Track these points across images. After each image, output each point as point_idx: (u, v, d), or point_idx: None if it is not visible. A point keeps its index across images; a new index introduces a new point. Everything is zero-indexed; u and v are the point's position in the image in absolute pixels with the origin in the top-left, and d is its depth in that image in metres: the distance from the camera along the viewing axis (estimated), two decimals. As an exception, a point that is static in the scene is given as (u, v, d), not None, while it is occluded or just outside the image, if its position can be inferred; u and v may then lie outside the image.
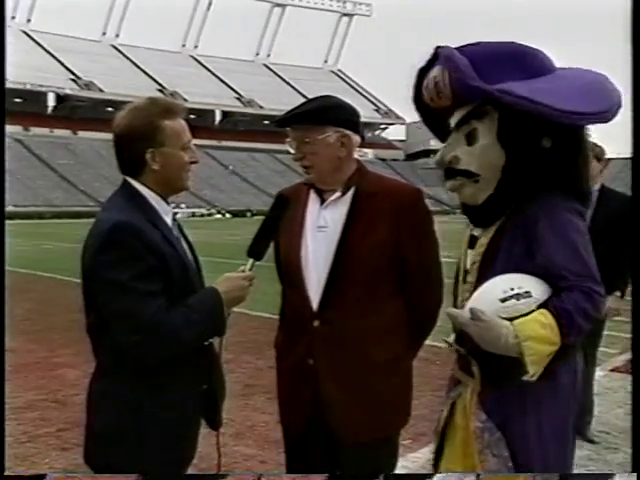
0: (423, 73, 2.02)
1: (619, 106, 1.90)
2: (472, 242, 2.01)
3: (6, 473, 2.41)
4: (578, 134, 1.93)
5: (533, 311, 1.76)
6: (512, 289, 1.78)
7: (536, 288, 1.79)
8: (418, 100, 2.08)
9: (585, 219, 1.90)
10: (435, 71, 1.95)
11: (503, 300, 1.77)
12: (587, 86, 1.93)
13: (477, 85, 1.85)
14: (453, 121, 1.99)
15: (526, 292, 1.78)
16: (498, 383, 1.88)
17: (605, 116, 1.86)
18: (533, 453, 1.86)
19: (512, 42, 1.97)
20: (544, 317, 1.74)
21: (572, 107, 1.82)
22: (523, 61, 1.93)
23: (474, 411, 1.92)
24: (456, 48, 1.93)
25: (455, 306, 2.01)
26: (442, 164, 1.97)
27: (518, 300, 1.77)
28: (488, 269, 1.89)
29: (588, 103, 1.86)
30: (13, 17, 73.27)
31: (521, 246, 1.86)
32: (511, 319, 1.75)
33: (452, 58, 1.89)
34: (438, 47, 1.95)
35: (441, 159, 1.97)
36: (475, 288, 1.88)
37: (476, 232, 2.01)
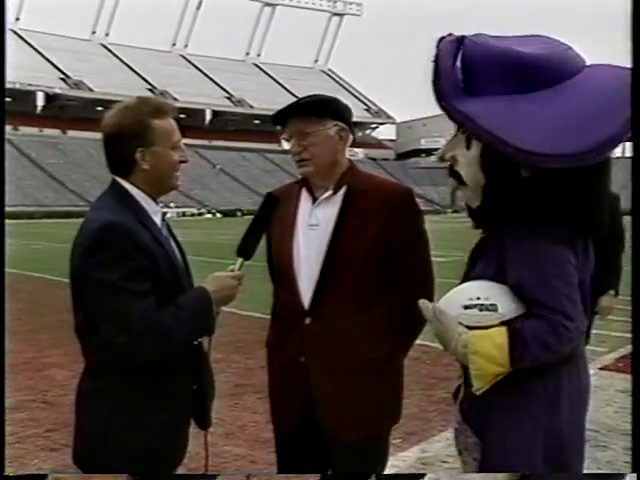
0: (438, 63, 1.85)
1: (625, 133, 1.68)
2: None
3: (6, 473, 2.40)
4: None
5: (494, 326, 1.72)
6: (478, 298, 1.75)
7: (505, 304, 1.73)
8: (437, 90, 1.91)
9: (576, 242, 1.77)
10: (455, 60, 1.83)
11: (466, 307, 1.75)
12: (588, 109, 1.71)
13: (443, 105, 1.76)
14: None
15: (492, 305, 1.73)
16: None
17: (588, 157, 1.66)
18: (496, 463, 1.79)
19: (516, 43, 1.79)
20: (499, 337, 1.69)
21: (545, 145, 1.64)
22: (522, 71, 1.73)
23: (455, 412, 1.91)
24: (460, 39, 1.78)
25: None
26: (442, 160, 1.93)
27: (480, 311, 1.74)
28: (469, 274, 1.87)
29: (574, 138, 1.65)
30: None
31: (494, 266, 1.80)
32: (470, 328, 1.73)
33: (438, 61, 1.77)
34: (441, 39, 1.80)
35: (442, 155, 1.91)
36: None
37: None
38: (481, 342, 1.70)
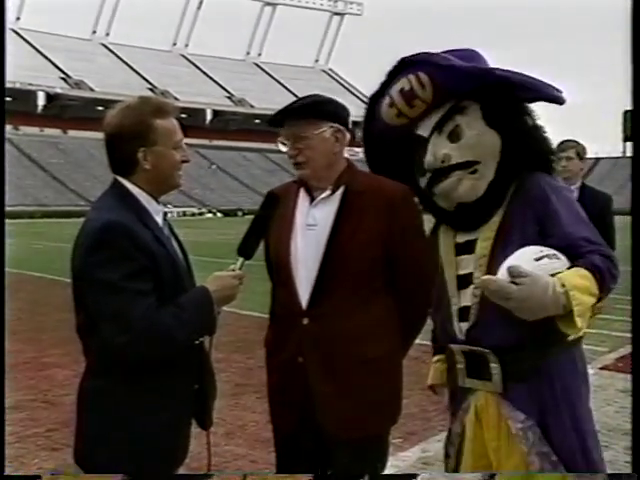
0: (375, 100, 2.09)
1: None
2: (465, 247, 1.98)
3: (6, 473, 2.40)
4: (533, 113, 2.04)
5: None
6: (541, 251, 1.80)
7: (561, 255, 1.82)
8: (368, 132, 2.16)
9: None
10: (401, 83, 1.99)
11: (538, 259, 1.78)
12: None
13: (472, 68, 1.96)
14: (428, 126, 2.00)
15: (555, 254, 1.80)
16: (522, 378, 1.86)
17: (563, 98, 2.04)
18: (573, 444, 1.87)
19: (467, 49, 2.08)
20: (581, 271, 1.76)
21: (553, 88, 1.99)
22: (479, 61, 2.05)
23: (507, 415, 1.88)
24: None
25: (448, 323, 1.99)
26: (435, 164, 1.96)
27: (551, 260, 1.78)
28: (501, 256, 1.84)
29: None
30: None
31: (534, 226, 1.88)
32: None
33: (431, 58, 1.96)
34: (403, 59, 2.03)
35: (434, 159, 1.96)
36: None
37: (461, 239, 1.99)
38: (574, 277, 1.74)
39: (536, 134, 2.00)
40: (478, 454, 1.95)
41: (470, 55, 2.05)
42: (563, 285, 1.71)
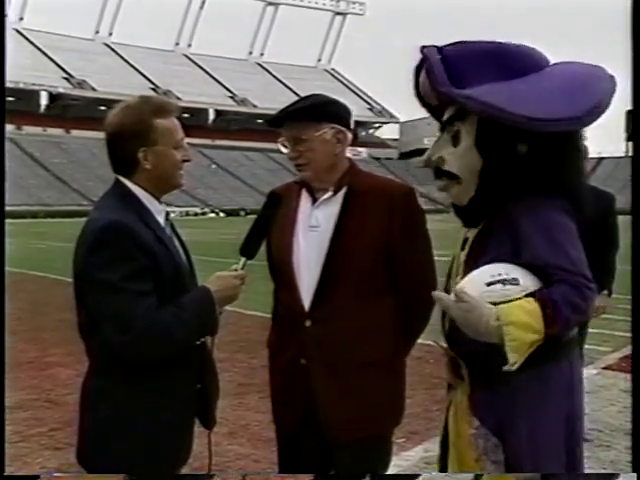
0: (418, 71, 2.00)
1: (607, 104, 1.86)
2: (464, 243, 2.00)
3: (6, 473, 2.40)
4: (561, 135, 1.86)
5: (519, 299, 1.73)
6: (499, 274, 1.76)
7: (525, 278, 1.76)
8: (420, 96, 2.06)
9: (573, 215, 1.87)
10: (423, 72, 1.96)
11: (489, 284, 1.74)
12: (571, 85, 1.88)
13: (443, 91, 1.87)
14: (443, 121, 1.99)
15: (513, 279, 1.75)
16: (488, 386, 1.85)
17: (584, 120, 1.85)
18: (524, 456, 1.82)
19: (496, 41, 1.95)
20: (528, 304, 1.71)
21: (545, 112, 1.79)
22: (505, 60, 1.90)
23: (467, 418, 1.90)
24: (439, 47, 1.92)
25: (441, 320, 2.00)
26: (429, 164, 1.97)
27: (504, 285, 1.74)
28: (475, 265, 1.86)
29: (567, 106, 1.82)
30: (5, 15, 72.90)
31: (507, 249, 1.83)
32: (496, 304, 1.72)
33: (427, 60, 1.90)
34: (423, 47, 1.94)
35: (427, 159, 1.97)
36: None
37: (469, 234, 2.00)
38: (513, 311, 1.70)
39: (527, 162, 1.85)
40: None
41: (501, 51, 1.91)
42: (498, 319, 1.69)
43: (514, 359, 1.69)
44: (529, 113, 1.78)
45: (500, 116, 1.79)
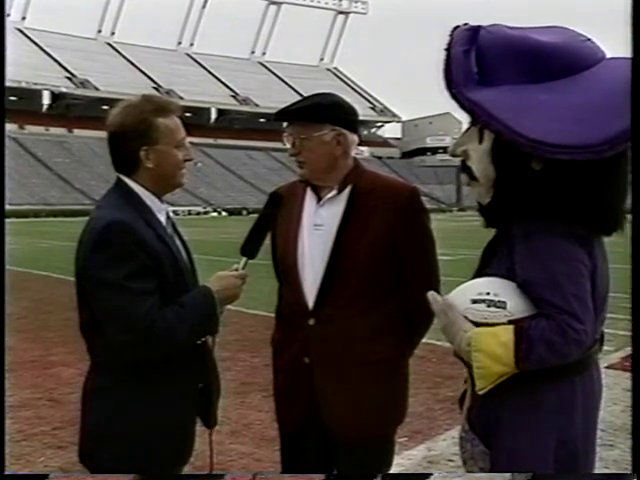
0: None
1: (624, 135, 1.60)
2: None
3: (6, 472, 2.40)
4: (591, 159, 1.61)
5: (501, 324, 1.64)
6: (488, 293, 1.68)
7: (515, 302, 1.66)
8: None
9: (588, 243, 1.68)
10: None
11: (474, 301, 1.69)
12: (599, 104, 1.63)
13: (453, 91, 1.68)
14: None
15: (500, 301, 1.66)
16: (479, 394, 1.78)
17: (593, 150, 1.58)
18: (502, 467, 1.75)
19: (544, 29, 1.74)
20: (504, 335, 1.62)
21: (556, 137, 1.58)
22: (537, 60, 1.67)
23: (463, 419, 1.86)
24: (477, 30, 1.70)
25: None
26: (453, 155, 1.83)
27: (488, 307, 1.67)
28: (481, 272, 1.81)
29: (579, 131, 1.59)
30: (8, 15, 73.06)
31: (506, 264, 1.73)
32: (477, 324, 1.67)
33: (451, 49, 1.70)
34: (454, 29, 1.73)
35: (452, 150, 1.83)
36: None
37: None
38: (485, 340, 1.63)
39: (541, 181, 1.66)
40: None
41: (537, 48, 1.67)
42: (469, 344, 1.65)
43: (481, 385, 1.66)
44: (536, 135, 1.58)
45: (501, 132, 1.62)
